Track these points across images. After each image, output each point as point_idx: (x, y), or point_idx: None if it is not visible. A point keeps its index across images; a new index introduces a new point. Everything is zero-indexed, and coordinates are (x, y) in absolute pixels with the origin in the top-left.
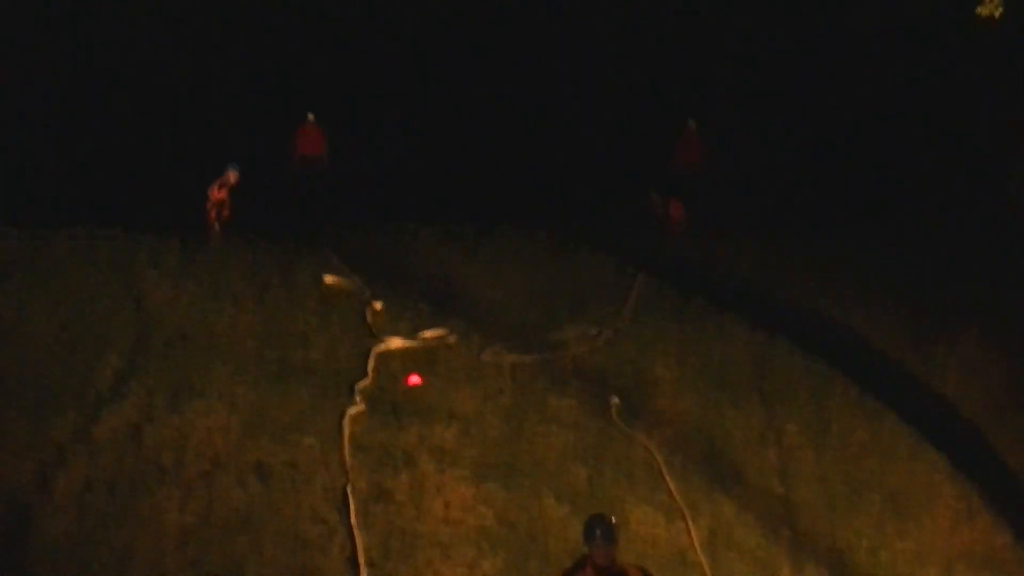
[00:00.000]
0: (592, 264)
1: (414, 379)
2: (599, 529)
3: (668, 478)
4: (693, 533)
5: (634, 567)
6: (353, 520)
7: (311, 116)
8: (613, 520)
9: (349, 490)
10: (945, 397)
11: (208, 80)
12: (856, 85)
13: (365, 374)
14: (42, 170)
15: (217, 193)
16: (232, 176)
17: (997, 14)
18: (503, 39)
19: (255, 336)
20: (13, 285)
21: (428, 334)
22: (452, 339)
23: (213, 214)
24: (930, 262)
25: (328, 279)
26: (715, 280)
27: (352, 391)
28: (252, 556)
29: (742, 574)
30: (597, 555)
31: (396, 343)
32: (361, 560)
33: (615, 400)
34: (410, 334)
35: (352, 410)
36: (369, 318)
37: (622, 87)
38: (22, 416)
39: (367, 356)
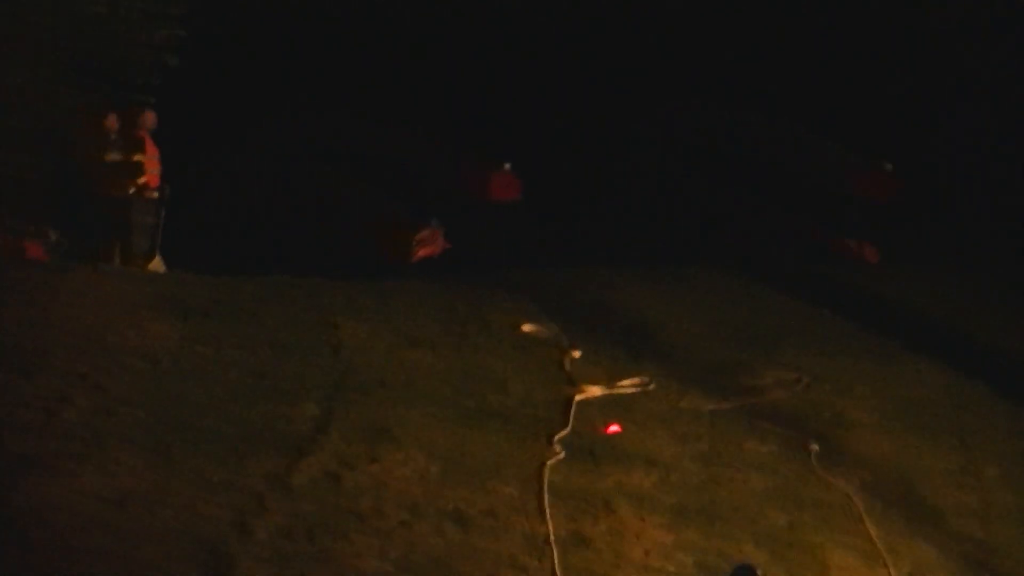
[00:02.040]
0: (783, 304)
1: (613, 427)
2: None
3: (868, 522)
4: None
5: None
6: (556, 567)
7: (507, 165)
8: (759, 572)
9: (552, 538)
10: None
11: None
12: None
13: (564, 422)
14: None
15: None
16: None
17: None
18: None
19: (452, 382)
20: (211, 329)
21: (627, 382)
22: (651, 386)
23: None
24: None
25: (526, 327)
26: (909, 318)
27: (550, 440)
28: None
29: None
30: None
31: (595, 391)
32: None
33: (814, 446)
34: (607, 381)
35: (551, 460)
36: (567, 366)
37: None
38: (219, 461)
39: (565, 404)
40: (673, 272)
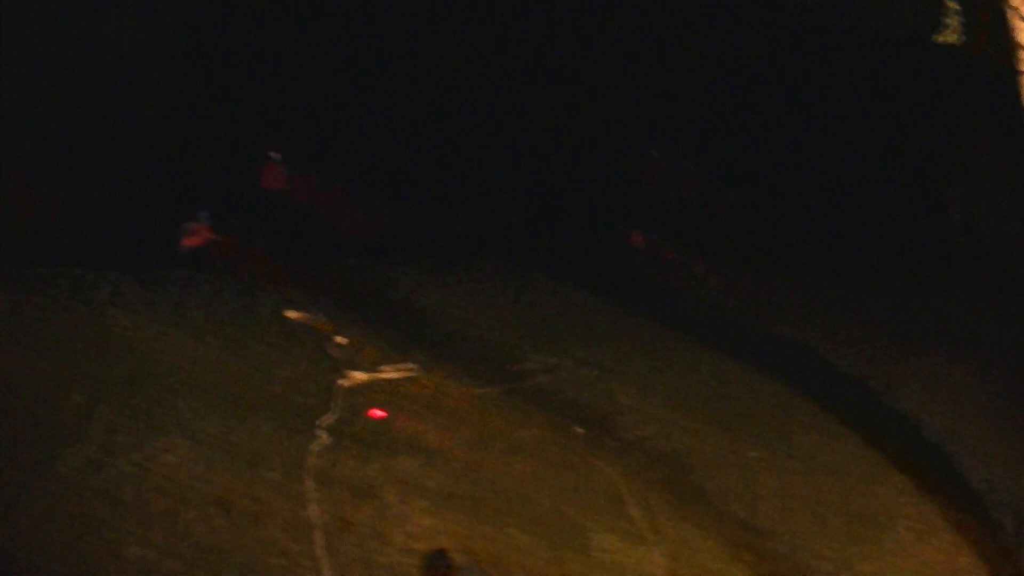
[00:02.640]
0: (559, 293)
1: (378, 412)
2: None
3: (631, 504)
4: (659, 559)
5: None
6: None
7: (274, 155)
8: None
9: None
10: (906, 417)
11: None
12: None
13: (328, 408)
14: None
15: None
16: None
17: (958, 42)
18: None
19: (217, 369)
20: None
21: (391, 368)
22: (415, 372)
23: None
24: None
25: (291, 313)
26: (680, 311)
27: (314, 425)
28: None
29: None
30: None
31: (360, 377)
32: None
33: (579, 429)
34: (372, 367)
35: (315, 446)
36: (332, 352)
37: None
38: None
39: (330, 390)
40: (446, 259)
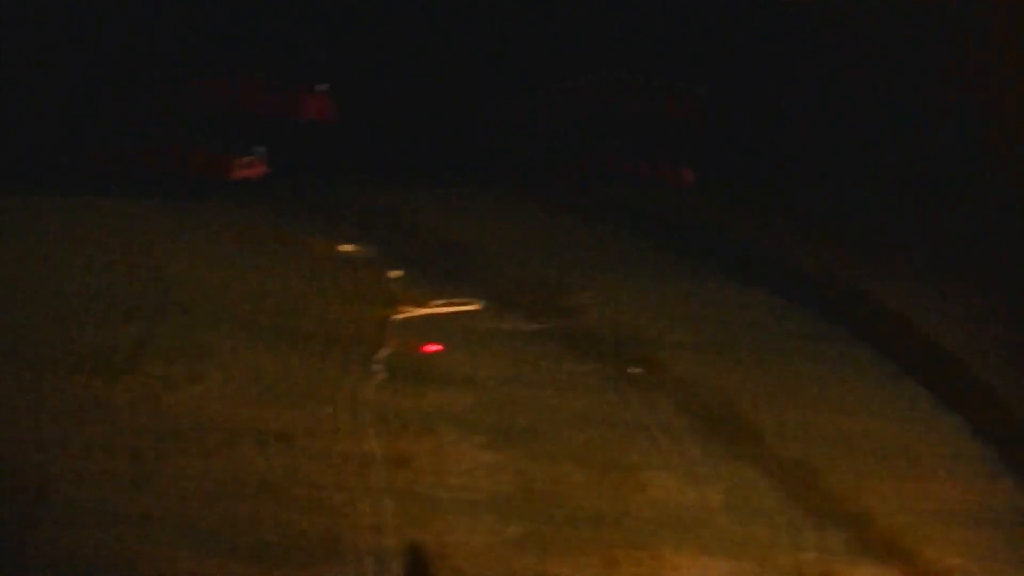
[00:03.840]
0: (594, 228)
1: (433, 347)
2: None
3: (687, 443)
4: (716, 496)
5: None
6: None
7: (323, 87)
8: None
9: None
10: (958, 358)
11: None
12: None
13: (382, 342)
14: None
15: None
16: None
17: None
18: None
19: (268, 304)
20: (25, 250)
21: (445, 302)
22: (473, 306)
23: None
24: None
25: (343, 247)
26: (728, 243)
27: (369, 360)
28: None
29: (769, 537)
30: None
31: (415, 311)
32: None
33: (636, 369)
34: (427, 301)
35: (371, 381)
36: (386, 286)
37: None
38: (40, 382)
39: (384, 324)
40: (474, 195)
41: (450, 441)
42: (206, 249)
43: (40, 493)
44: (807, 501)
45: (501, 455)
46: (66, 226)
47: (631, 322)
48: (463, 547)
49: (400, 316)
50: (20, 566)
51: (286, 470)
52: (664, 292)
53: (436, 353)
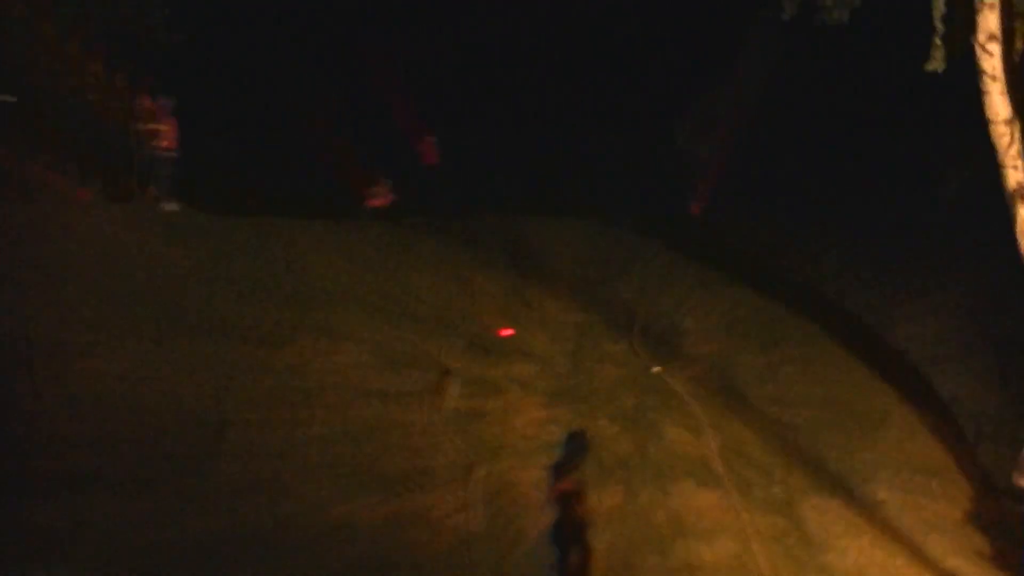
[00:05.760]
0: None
1: (507, 331)
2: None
3: (694, 405)
4: (713, 446)
5: None
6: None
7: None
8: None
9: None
10: (896, 347)
11: None
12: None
13: (468, 327)
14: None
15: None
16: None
17: (941, 69)
18: None
19: (383, 294)
20: (211, 251)
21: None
22: (530, 301)
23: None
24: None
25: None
26: (728, 256)
27: (455, 338)
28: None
29: (749, 476)
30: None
31: (491, 303)
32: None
33: (657, 369)
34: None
35: (455, 353)
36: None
37: None
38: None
39: (468, 314)
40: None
41: (515, 399)
42: (348, 253)
43: (218, 433)
44: (781, 450)
45: (553, 411)
46: (250, 236)
47: (652, 313)
48: (522, 479)
49: (479, 306)
50: (201, 490)
51: (399, 419)
52: (681, 293)
53: (509, 336)
